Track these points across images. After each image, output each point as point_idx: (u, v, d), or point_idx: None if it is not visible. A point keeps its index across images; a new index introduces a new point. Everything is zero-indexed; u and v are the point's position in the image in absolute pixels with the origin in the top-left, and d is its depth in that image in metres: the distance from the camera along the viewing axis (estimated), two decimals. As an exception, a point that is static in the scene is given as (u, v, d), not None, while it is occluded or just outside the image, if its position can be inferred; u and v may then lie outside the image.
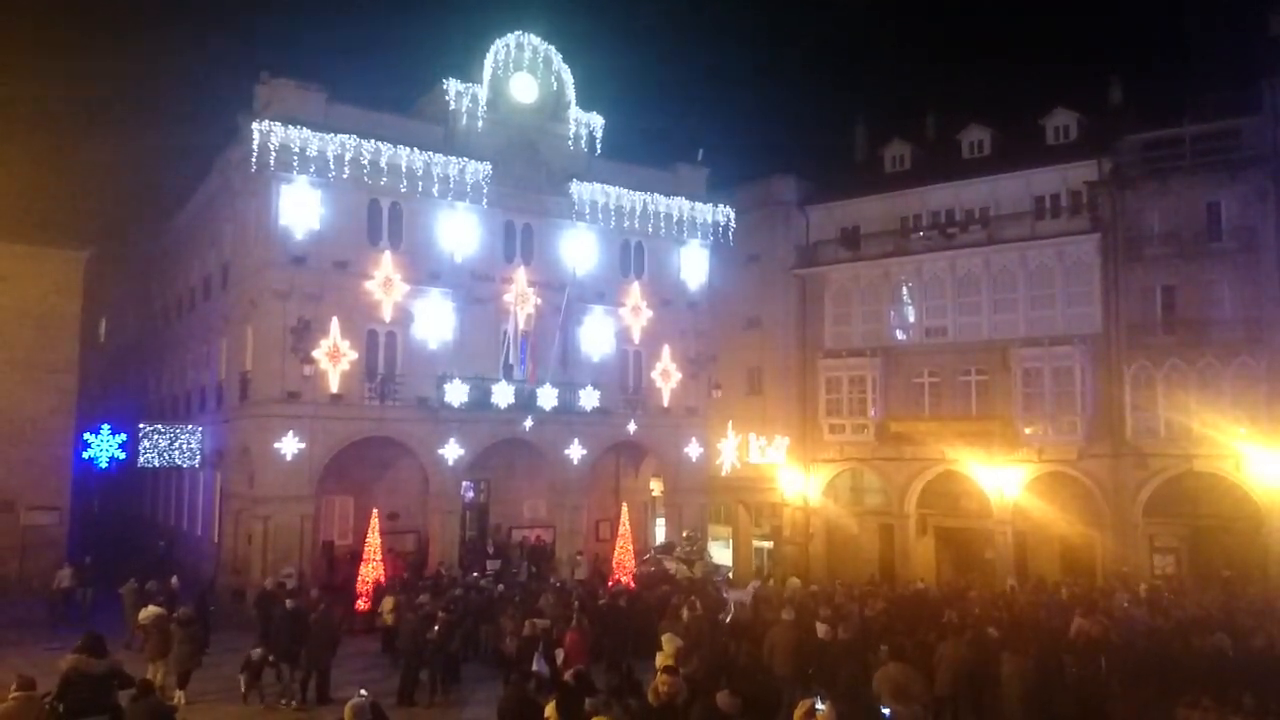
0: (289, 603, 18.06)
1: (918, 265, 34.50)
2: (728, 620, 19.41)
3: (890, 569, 33.04)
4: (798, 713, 7.94)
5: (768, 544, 37.95)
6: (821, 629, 16.12)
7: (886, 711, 9.70)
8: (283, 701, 16.81)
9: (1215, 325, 28.76)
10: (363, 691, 11.39)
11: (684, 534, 30.27)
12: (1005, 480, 31.78)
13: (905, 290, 35.05)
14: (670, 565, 27.03)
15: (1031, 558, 31.90)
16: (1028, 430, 31.17)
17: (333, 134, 26.27)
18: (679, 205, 33.41)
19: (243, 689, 16.98)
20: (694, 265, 34.39)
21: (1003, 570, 30.42)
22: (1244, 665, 13.88)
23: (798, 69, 72.58)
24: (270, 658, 17.05)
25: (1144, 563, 29.22)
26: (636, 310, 32.65)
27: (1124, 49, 55.73)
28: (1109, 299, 30.52)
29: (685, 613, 18.22)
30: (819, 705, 7.62)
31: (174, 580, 24.15)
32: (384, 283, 27.31)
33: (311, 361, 25.85)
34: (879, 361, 34.60)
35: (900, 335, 35.16)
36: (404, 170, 27.39)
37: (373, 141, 26.79)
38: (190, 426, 31.53)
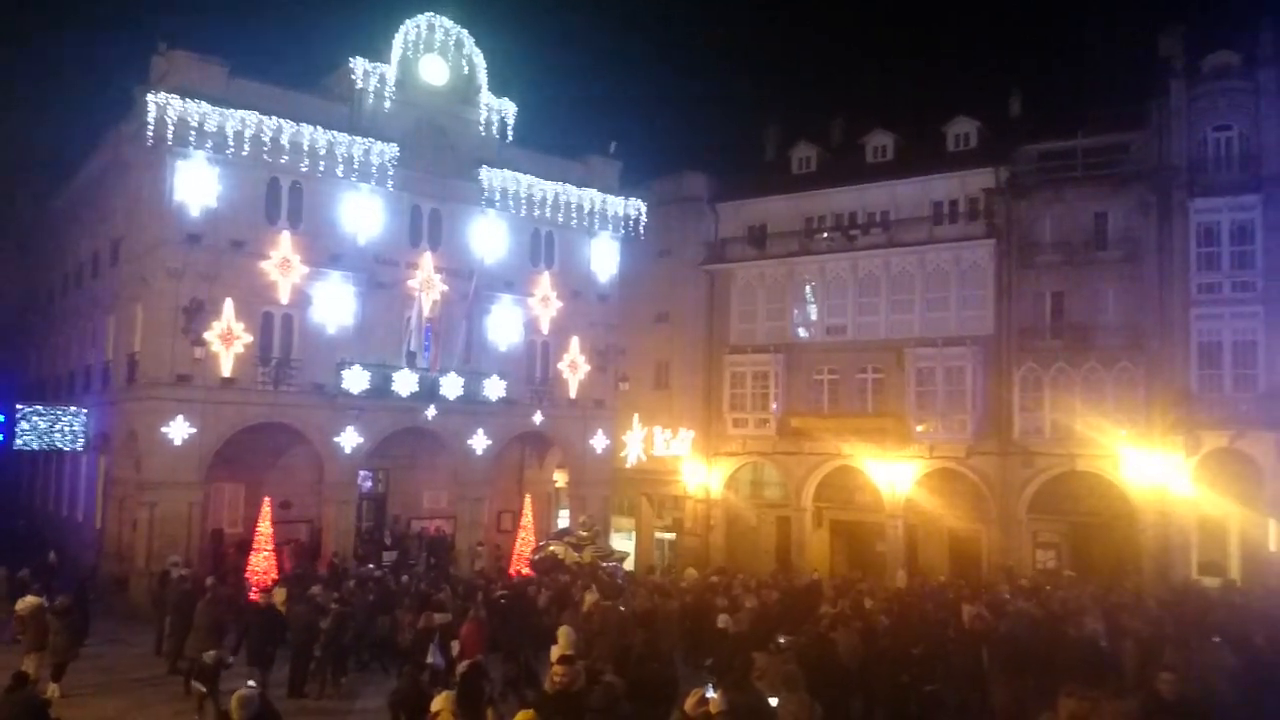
0: (262, 599, 17.05)
1: (821, 265, 35.25)
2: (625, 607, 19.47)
3: (787, 560, 33.76)
4: (690, 701, 8.03)
5: (670, 536, 38.34)
6: (721, 619, 16.36)
7: (774, 701, 9.88)
8: None
9: (1100, 331, 30.13)
10: (251, 683, 11.09)
11: (580, 520, 30.30)
12: (897, 475, 32.77)
13: (808, 289, 35.77)
14: (559, 551, 26.94)
15: (921, 550, 33.02)
16: (920, 428, 32.18)
17: (233, 109, 25.32)
18: (591, 197, 33.30)
19: (196, 701, 14.84)
20: (604, 257, 34.37)
21: (893, 562, 31.40)
22: (1115, 653, 14.65)
23: (711, 68, 73.24)
24: (229, 661, 15.36)
25: (1027, 557, 30.51)
26: (545, 301, 32.48)
27: (1024, 62, 57.88)
28: (1001, 303, 31.69)
29: (588, 598, 18.24)
30: (709, 693, 7.72)
31: (51, 556, 23.14)
32: (281, 264, 26.49)
33: (203, 343, 24.96)
34: (782, 358, 35.26)
35: (802, 333, 35.88)
36: (306, 149, 26.60)
37: (274, 118, 25.94)
38: (73, 408, 30.15)
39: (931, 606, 19.01)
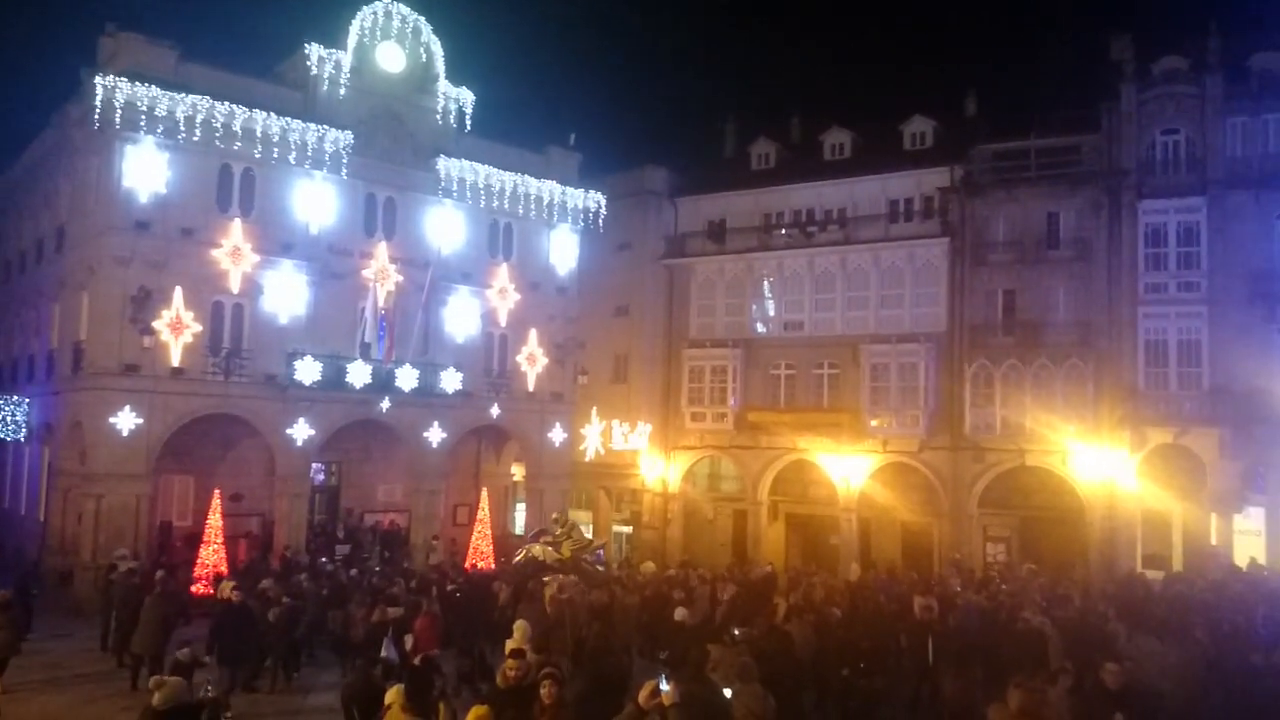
0: (236, 595, 16.45)
1: (779, 261, 35.48)
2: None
3: (743, 553, 33.93)
4: (643, 693, 8.03)
5: (627, 529, 38.36)
6: (679, 613, 16.41)
7: (728, 692, 9.94)
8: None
9: (1050, 329, 30.63)
10: (209, 686, 10.92)
11: (552, 517, 30.10)
12: (852, 470, 33.12)
13: (767, 285, 35.98)
14: (539, 553, 26.79)
15: (874, 544, 33.39)
16: (874, 423, 32.53)
17: (183, 94, 24.84)
18: (550, 188, 33.11)
19: None
20: (564, 250, 34.21)
21: (847, 555, 31.71)
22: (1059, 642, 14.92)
23: (671, 62, 73.31)
24: (206, 659, 14.60)
25: (978, 550, 30.97)
26: (503, 292, 32.25)
27: (981, 62, 58.68)
28: (954, 300, 32.11)
29: (547, 592, 18.17)
30: (663, 685, 7.73)
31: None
32: (232, 252, 26.01)
33: (152, 333, 24.47)
34: (740, 353, 35.43)
35: (760, 328, 36.09)
36: (259, 135, 26.18)
37: (226, 104, 25.47)
38: (15, 397, 29.46)
39: (884, 599, 19.19)
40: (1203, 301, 28.54)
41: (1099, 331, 29.85)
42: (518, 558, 26.78)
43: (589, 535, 32.39)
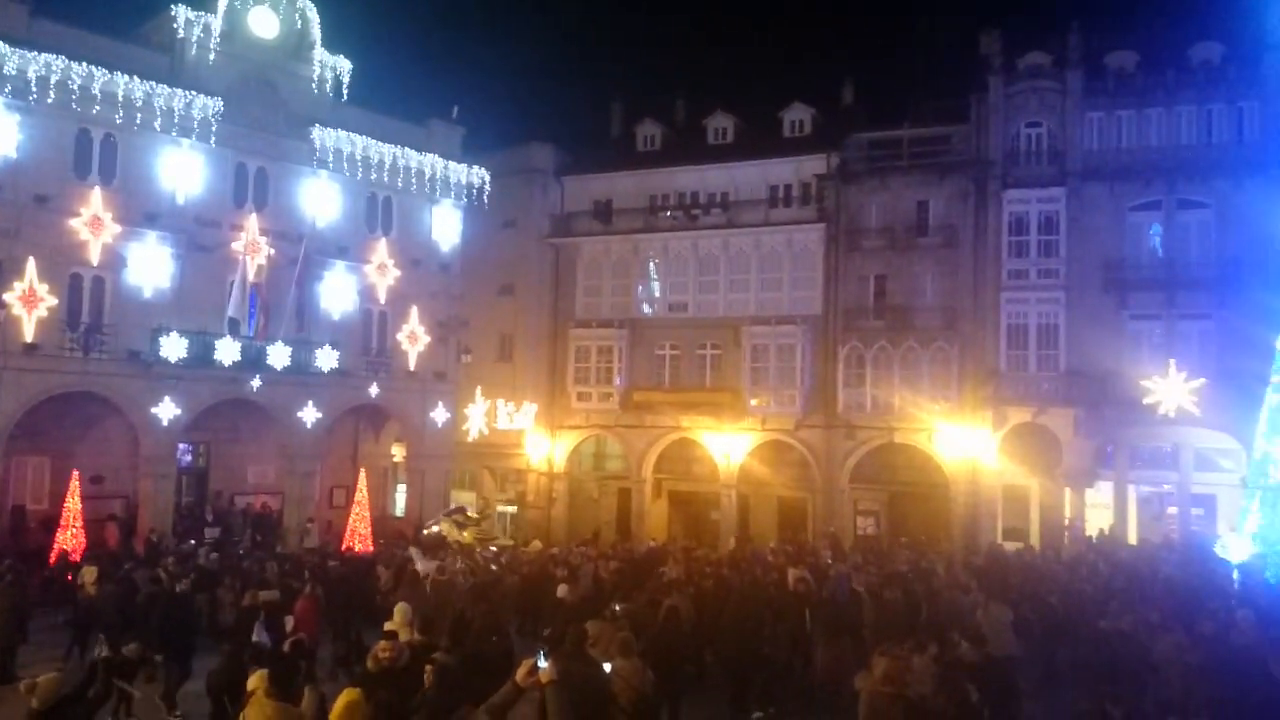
0: (180, 585, 15.33)
1: (664, 243, 35.79)
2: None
3: (627, 530, 34.33)
4: (520, 671, 8.02)
5: (512, 509, 38.22)
6: (561, 589, 16.47)
7: (608, 667, 10.04)
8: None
9: (918, 312, 31.86)
10: (102, 649, 10.30)
11: (477, 502, 29.71)
12: (732, 447, 33.86)
13: (652, 266, 36.24)
14: (445, 528, 26.48)
15: (753, 518, 34.32)
16: (754, 402, 33.31)
17: (36, 52, 23.42)
18: (432, 162, 32.41)
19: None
20: (446, 226, 33.58)
21: (727, 530, 32.45)
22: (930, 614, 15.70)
23: (558, 39, 72.65)
24: (158, 659, 13.46)
25: (849, 523, 32.15)
26: (383, 268, 31.49)
27: (858, 52, 60.25)
28: (829, 284, 33.06)
29: (430, 577, 18.01)
30: (541, 663, 7.74)
31: None
32: (92, 222, 24.68)
33: (2, 306, 23.07)
34: (626, 333, 35.64)
35: (646, 309, 36.36)
36: (121, 99, 24.84)
37: (84, 65, 24.12)
38: None
39: (760, 571, 19.69)
40: (1061, 288, 30.15)
41: (964, 315, 31.21)
42: (429, 529, 26.43)
43: (496, 533, 32.17)
